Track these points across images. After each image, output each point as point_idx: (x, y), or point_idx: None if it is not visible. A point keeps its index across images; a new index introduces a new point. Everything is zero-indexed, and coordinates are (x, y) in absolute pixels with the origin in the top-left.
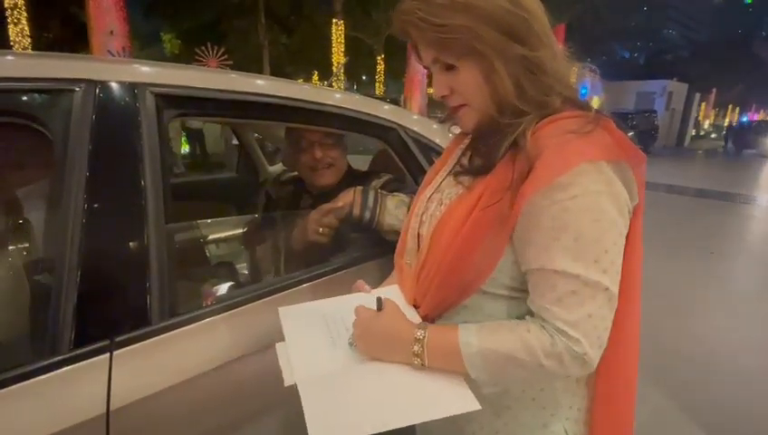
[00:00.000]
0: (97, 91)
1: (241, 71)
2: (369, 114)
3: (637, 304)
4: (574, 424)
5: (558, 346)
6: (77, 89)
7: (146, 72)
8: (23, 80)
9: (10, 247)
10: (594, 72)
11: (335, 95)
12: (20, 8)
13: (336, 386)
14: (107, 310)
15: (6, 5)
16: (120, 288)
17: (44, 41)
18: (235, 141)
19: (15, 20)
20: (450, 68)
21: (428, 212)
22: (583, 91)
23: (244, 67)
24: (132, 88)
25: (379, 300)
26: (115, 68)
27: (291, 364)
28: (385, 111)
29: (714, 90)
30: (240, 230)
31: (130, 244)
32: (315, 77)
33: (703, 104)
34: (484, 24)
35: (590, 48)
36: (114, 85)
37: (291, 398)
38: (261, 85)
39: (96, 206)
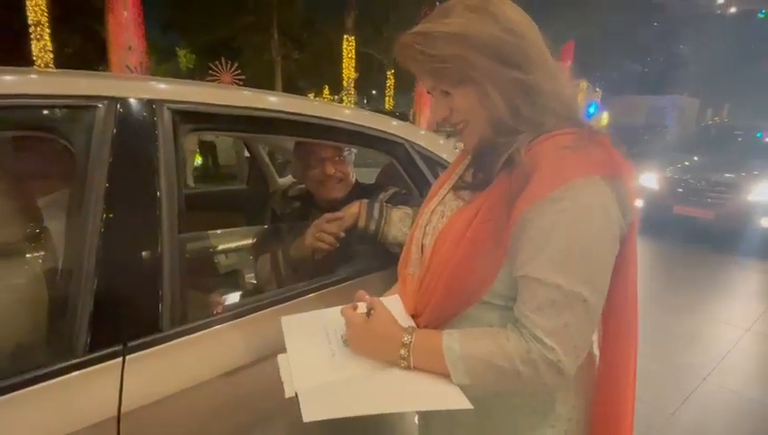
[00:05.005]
0: (118, 106)
1: (254, 85)
2: (377, 129)
3: (634, 317)
4: None
5: (533, 353)
6: (99, 105)
7: (163, 89)
8: (50, 96)
9: (30, 255)
10: (596, 91)
11: (343, 111)
12: (43, 25)
13: (333, 386)
14: (121, 316)
15: (30, 22)
16: (133, 295)
17: (65, 56)
18: (246, 153)
19: (38, 36)
20: (448, 94)
21: (431, 224)
22: (592, 109)
23: (257, 81)
24: (150, 104)
25: (362, 307)
26: (135, 85)
27: (291, 376)
28: (393, 127)
29: (726, 105)
30: (249, 241)
31: (145, 253)
32: (326, 91)
33: (715, 120)
34: (478, 52)
35: (601, 64)
36: (133, 101)
37: (297, 405)
38: (272, 101)
39: (113, 216)
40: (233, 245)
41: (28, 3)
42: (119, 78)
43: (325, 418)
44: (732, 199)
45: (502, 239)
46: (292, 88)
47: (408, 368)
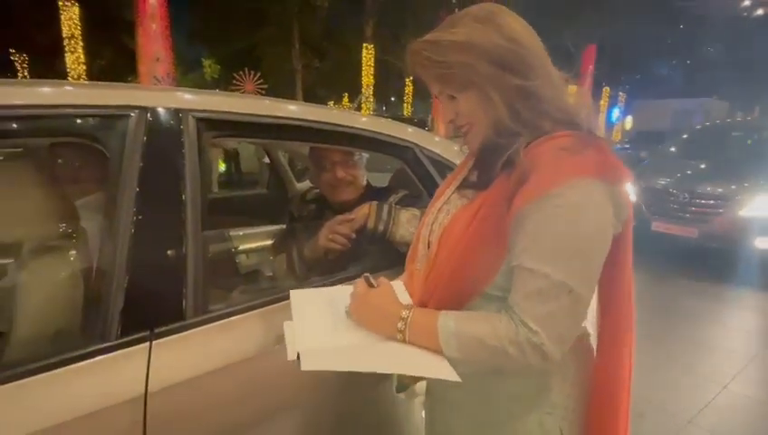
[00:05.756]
0: (148, 115)
1: (275, 94)
2: (387, 135)
3: (629, 311)
4: (570, 425)
5: (520, 336)
6: (131, 114)
7: (189, 99)
8: (87, 106)
9: (69, 251)
10: (620, 94)
11: (356, 118)
12: (76, 38)
13: (332, 349)
14: (148, 305)
15: (64, 36)
16: (160, 287)
17: (97, 67)
18: (266, 160)
19: (72, 49)
20: (453, 98)
21: (438, 222)
22: (615, 112)
23: (279, 90)
24: (177, 113)
25: (366, 278)
26: (163, 95)
27: (295, 340)
28: (403, 132)
29: (757, 107)
30: (268, 241)
31: (171, 250)
32: (345, 99)
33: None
34: (482, 59)
35: (625, 67)
36: (162, 111)
37: (310, 388)
38: (290, 110)
39: (143, 216)
40: (253, 245)
41: (62, 17)
42: (148, 89)
43: (321, 368)
44: (720, 215)
45: (502, 234)
46: (312, 96)
47: (403, 341)
